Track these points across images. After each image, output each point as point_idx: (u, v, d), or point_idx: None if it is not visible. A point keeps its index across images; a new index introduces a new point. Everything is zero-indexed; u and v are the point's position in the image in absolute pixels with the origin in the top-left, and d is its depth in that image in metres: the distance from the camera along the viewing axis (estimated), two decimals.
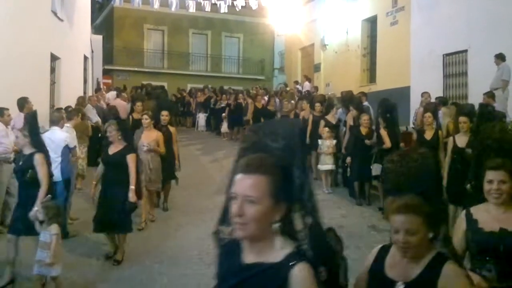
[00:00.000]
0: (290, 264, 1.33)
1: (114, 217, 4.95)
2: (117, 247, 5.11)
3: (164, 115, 6.89)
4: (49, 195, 4.29)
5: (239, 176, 1.37)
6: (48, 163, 4.56)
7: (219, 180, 9.17)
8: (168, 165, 6.72)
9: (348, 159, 7.66)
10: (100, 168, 5.33)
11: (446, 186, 5.42)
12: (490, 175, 2.39)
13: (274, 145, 1.40)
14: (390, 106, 7.16)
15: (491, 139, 3.03)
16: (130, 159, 5.13)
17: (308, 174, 1.46)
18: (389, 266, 1.79)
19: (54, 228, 3.97)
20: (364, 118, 7.56)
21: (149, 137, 6.36)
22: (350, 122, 8.25)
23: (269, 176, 1.35)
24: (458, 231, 2.42)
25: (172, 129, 6.99)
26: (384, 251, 1.87)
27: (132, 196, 5.00)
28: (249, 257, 1.43)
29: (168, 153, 6.70)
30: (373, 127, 7.40)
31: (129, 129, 7.81)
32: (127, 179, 5.04)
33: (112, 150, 5.23)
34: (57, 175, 5.77)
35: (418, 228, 1.70)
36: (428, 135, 6.54)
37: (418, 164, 1.76)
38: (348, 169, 7.70)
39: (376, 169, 6.97)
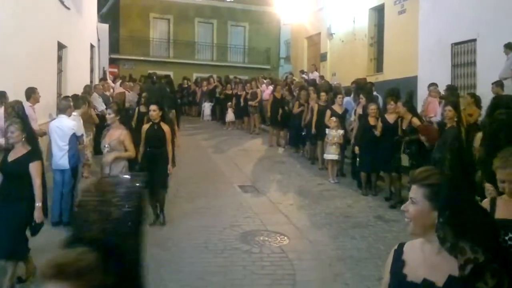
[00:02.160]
0: None
1: (4, 240, 4.04)
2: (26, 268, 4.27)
3: (152, 110, 5.87)
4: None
5: None
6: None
7: (224, 169, 9.22)
8: (159, 173, 5.65)
9: (356, 149, 7.60)
10: None
11: None
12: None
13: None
14: (411, 95, 7.16)
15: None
16: (33, 168, 4.10)
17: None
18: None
19: None
20: (372, 107, 7.42)
21: (111, 136, 5.44)
22: (359, 111, 8.18)
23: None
24: (385, 271, 1.74)
25: (165, 127, 5.92)
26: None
27: (38, 217, 4.10)
28: None
29: (161, 157, 5.78)
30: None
31: (134, 122, 7.67)
32: (31, 194, 4.08)
33: (12, 156, 4.21)
34: (65, 163, 5.84)
35: None
36: None
37: None
38: (358, 159, 7.64)
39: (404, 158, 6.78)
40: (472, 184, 4.10)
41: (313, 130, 9.00)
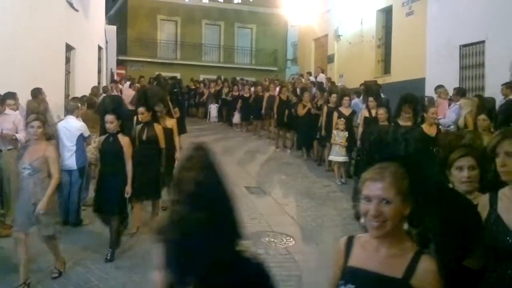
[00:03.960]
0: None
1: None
2: None
3: (109, 122, 4.90)
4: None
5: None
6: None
7: (230, 170, 9.22)
8: (109, 199, 4.86)
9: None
10: None
11: None
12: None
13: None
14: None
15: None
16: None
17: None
18: None
19: None
20: (381, 112, 7.10)
21: (33, 154, 4.23)
22: (365, 113, 8.08)
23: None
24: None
25: (124, 140, 4.95)
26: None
27: None
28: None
29: (115, 177, 4.90)
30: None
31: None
32: None
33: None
34: (72, 164, 5.87)
35: None
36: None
37: None
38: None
39: None
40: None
41: (323, 132, 8.97)
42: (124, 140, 4.93)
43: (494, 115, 6.03)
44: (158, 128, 5.75)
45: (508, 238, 1.92)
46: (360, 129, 8.00)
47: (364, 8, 14.52)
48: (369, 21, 14.38)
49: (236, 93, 14.76)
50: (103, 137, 5.16)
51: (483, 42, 9.74)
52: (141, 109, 5.73)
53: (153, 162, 5.64)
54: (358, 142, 7.97)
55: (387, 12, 13.80)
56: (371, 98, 8.08)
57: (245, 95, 14.04)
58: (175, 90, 12.87)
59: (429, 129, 6.09)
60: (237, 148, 11.33)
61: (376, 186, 1.49)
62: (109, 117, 4.90)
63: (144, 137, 5.63)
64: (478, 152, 2.33)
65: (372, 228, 1.49)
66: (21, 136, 5.64)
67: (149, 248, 5.18)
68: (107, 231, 5.13)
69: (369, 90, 8.68)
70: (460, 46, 10.42)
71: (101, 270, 4.65)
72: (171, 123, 6.56)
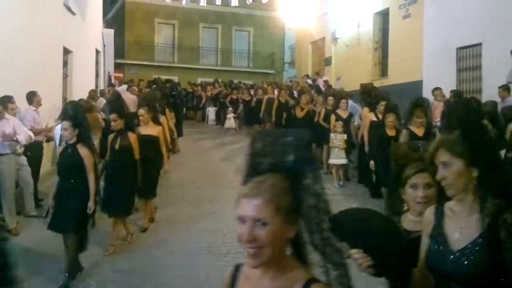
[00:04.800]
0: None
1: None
2: None
3: (63, 129, 4.52)
4: None
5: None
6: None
7: (228, 173, 9.21)
8: (68, 213, 4.35)
9: (372, 164, 6.84)
10: None
11: None
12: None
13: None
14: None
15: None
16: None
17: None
18: None
19: None
20: (390, 119, 6.50)
21: None
22: (371, 117, 7.60)
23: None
24: None
25: (83, 150, 4.44)
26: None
27: None
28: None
29: (74, 192, 4.42)
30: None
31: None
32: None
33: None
34: None
35: None
36: None
37: None
38: (373, 174, 7.08)
39: None
40: None
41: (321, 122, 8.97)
42: (83, 151, 4.42)
43: (496, 120, 5.73)
44: (132, 137, 5.25)
45: (450, 259, 1.63)
46: (366, 134, 7.55)
47: (361, 11, 14.58)
48: (366, 24, 14.43)
49: (235, 97, 14.65)
50: (61, 148, 4.72)
51: (480, 44, 9.78)
52: (112, 116, 5.32)
53: (126, 175, 5.18)
54: (366, 148, 7.50)
55: (384, 15, 13.86)
56: (382, 102, 7.42)
57: (245, 98, 13.69)
58: (173, 93, 12.84)
59: (390, 132, 6.37)
60: (235, 151, 11.28)
61: (250, 204, 1.18)
62: (64, 124, 4.50)
63: (116, 146, 5.21)
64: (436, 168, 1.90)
65: (248, 255, 1.19)
66: (22, 137, 5.66)
67: (147, 252, 5.18)
68: (106, 232, 5.13)
69: (367, 93, 8.46)
70: (457, 48, 10.46)
71: (100, 274, 4.63)
72: (156, 130, 6.02)
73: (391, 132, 6.46)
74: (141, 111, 5.96)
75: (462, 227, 1.65)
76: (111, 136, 5.39)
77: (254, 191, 1.20)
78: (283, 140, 1.28)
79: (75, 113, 4.49)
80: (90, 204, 4.37)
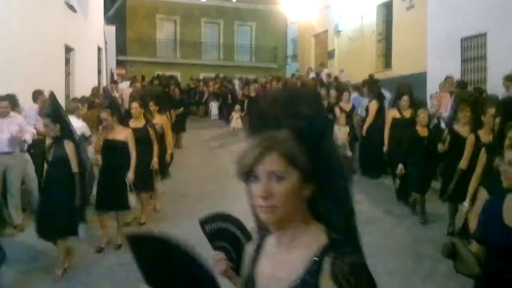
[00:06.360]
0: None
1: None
2: None
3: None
4: None
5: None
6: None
7: (231, 168, 9.19)
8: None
9: (400, 168, 5.94)
10: None
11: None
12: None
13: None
14: None
15: None
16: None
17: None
18: None
19: None
20: (423, 115, 5.82)
21: None
22: (394, 114, 6.94)
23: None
24: None
25: (69, 146, 4.34)
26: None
27: None
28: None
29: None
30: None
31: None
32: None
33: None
34: None
35: None
36: None
37: None
38: (398, 179, 6.45)
39: None
40: None
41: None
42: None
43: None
44: (69, 146, 4.34)
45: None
46: (387, 133, 6.91)
47: (364, 3, 14.46)
48: (370, 15, 14.31)
49: (246, 93, 13.61)
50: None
51: (484, 34, 9.66)
52: (44, 121, 4.46)
53: (62, 190, 4.32)
54: (385, 148, 6.96)
55: (387, 7, 13.74)
56: (405, 97, 6.77)
57: (251, 94, 12.90)
58: (167, 89, 12.62)
59: (422, 131, 5.85)
60: (238, 146, 11.24)
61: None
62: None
63: (50, 157, 4.43)
64: None
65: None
66: (28, 137, 5.71)
67: None
68: (110, 230, 5.13)
69: (400, 87, 7.17)
70: (461, 39, 10.35)
71: (105, 268, 4.64)
72: (124, 134, 5.18)
73: (423, 132, 5.83)
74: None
75: None
76: (47, 144, 4.76)
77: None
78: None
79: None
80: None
